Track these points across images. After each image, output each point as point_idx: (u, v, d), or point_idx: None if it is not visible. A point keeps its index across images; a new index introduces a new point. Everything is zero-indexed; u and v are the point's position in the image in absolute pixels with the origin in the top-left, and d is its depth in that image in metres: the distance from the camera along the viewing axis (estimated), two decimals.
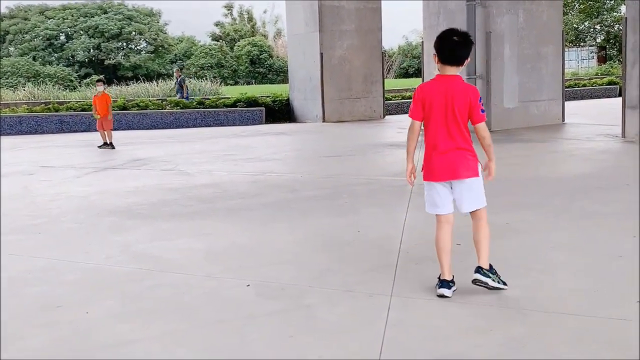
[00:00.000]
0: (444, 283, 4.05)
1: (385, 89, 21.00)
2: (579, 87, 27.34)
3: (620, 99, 12.49)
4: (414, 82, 33.98)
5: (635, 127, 11.60)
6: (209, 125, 19.29)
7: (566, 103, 16.46)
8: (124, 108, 19.62)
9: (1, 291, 4.39)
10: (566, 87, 19.26)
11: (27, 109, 19.57)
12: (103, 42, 60.71)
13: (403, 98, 23.29)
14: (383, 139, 14.03)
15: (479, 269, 4.06)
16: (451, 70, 4.02)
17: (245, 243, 5.57)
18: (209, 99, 21.40)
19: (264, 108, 20.13)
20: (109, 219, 6.63)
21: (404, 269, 4.63)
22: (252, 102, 20.39)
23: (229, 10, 71.01)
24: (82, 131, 17.98)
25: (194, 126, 19.20)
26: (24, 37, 59.19)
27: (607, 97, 26.34)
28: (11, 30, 59.41)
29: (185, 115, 19.45)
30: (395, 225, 5.88)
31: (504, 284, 4.09)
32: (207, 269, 4.79)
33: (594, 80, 29.25)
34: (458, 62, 4.00)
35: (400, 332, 3.53)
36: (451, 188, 4.10)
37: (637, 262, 4.60)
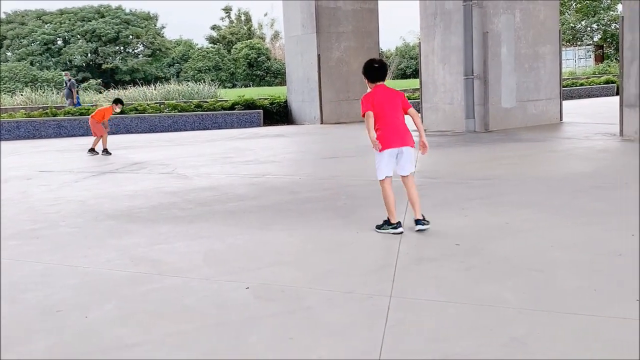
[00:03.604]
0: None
1: None
2: (576, 86, 27.36)
3: (617, 97, 12.50)
4: (412, 83, 33.99)
5: (633, 126, 11.61)
6: (207, 128, 19.30)
7: (564, 102, 16.48)
8: (122, 112, 19.58)
9: (1, 296, 4.38)
10: (564, 87, 19.29)
11: (25, 113, 19.56)
12: (100, 46, 60.79)
13: None
14: None
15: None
16: None
17: (245, 245, 5.56)
18: (207, 102, 21.40)
19: (261, 110, 20.14)
20: (107, 223, 6.62)
21: (403, 269, 4.63)
22: (250, 105, 20.40)
23: (227, 13, 71.00)
24: (80, 135, 17.97)
25: (192, 129, 19.22)
26: (21, 42, 59.23)
27: (605, 96, 26.37)
28: (8, 35, 59.44)
29: (183, 118, 19.46)
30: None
31: (428, 222, 5.67)
32: (207, 272, 4.78)
33: (591, 79, 29.29)
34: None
35: (400, 332, 3.52)
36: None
37: (636, 260, 4.60)
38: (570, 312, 3.69)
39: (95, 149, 13.24)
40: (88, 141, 14.51)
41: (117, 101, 14.03)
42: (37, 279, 4.79)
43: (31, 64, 55.31)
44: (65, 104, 22.10)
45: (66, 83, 23.53)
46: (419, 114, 5.60)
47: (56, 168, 11.34)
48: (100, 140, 13.29)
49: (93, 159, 12.51)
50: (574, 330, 3.47)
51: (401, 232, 5.57)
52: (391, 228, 5.62)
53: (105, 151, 13.14)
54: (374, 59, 5.80)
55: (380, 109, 5.56)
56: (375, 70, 5.65)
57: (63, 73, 25.47)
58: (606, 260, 4.66)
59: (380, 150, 5.58)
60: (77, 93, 23.59)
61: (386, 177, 5.68)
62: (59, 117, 18.84)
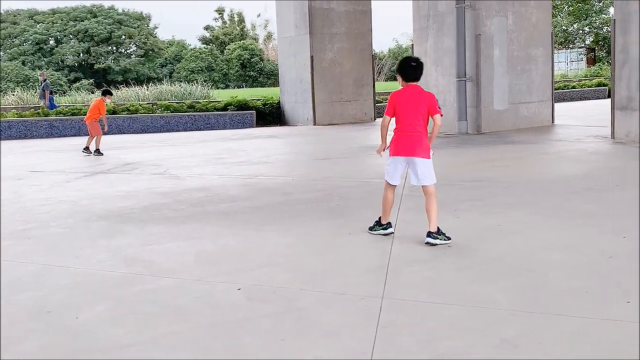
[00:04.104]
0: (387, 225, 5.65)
1: (376, 91, 21.05)
2: (568, 88, 27.47)
3: (609, 100, 12.56)
4: None
5: (625, 128, 11.67)
6: (200, 129, 19.27)
7: (556, 105, 16.54)
8: (114, 112, 19.57)
9: (1, 295, 4.37)
10: (556, 89, 19.36)
11: (17, 113, 19.48)
12: (93, 46, 60.58)
13: None
14: (374, 142, 14.02)
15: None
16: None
17: (237, 246, 5.56)
18: (200, 103, 21.38)
19: (254, 111, 20.13)
20: (99, 224, 6.60)
21: (395, 270, 4.63)
22: (242, 106, 20.39)
23: (220, 14, 70.93)
24: (71, 136, 17.91)
25: (185, 130, 19.18)
26: (13, 41, 58.97)
27: (597, 99, 26.50)
28: (0, 34, 59.15)
29: (175, 119, 19.42)
30: None
31: (448, 238, 5.27)
32: (199, 273, 4.78)
33: (583, 82, 29.40)
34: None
35: (391, 333, 3.53)
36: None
37: (627, 261, 4.63)
38: (561, 314, 3.71)
39: (90, 148, 13.24)
40: (80, 141, 14.53)
41: (106, 92, 14.04)
42: (29, 280, 4.78)
43: (23, 63, 55.09)
44: (41, 104, 21.90)
45: (41, 83, 23.27)
46: (440, 124, 5.39)
47: (48, 168, 11.30)
48: (94, 139, 13.28)
49: (85, 160, 12.47)
50: (564, 331, 3.48)
51: (391, 233, 5.59)
52: (381, 229, 5.63)
53: (97, 151, 13.11)
54: (411, 57, 5.56)
55: (400, 111, 5.36)
56: (411, 68, 5.37)
57: (39, 73, 24.91)
58: (598, 262, 4.68)
59: (389, 155, 5.48)
60: (51, 94, 23.17)
61: (391, 182, 5.52)
62: (50, 117, 18.77)
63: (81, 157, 12.80)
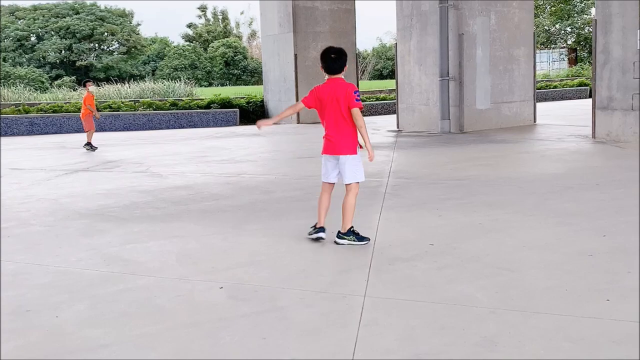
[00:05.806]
0: (320, 229, 5.37)
1: (360, 90, 21.08)
2: (550, 88, 27.67)
3: (590, 100, 12.67)
4: (388, 84, 34.10)
5: (605, 128, 11.78)
6: (183, 127, 19.18)
7: (538, 104, 16.66)
8: (96, 109, 19.40)
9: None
10: (538, 89, 19.51)
11: None
12: (75, 43, 60.03)
13: (377, 99, 23.39)
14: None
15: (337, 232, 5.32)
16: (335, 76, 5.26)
17: (218, 245, 5.54)
18: (183, 101, 21.28)
19: (238, 109, 20.08)
20: (80, 222, 6.54)
21: (377, 269, 4.64)
22: (226, 104, 20.33)
23: (202, 11, 70.61)
24: (53, 133, 17.75)
25: (168, 128, 19.08)
26: None
27: (578, 99, 26.71)
28: None
29: (158, 116, 19.32)
30: (369, 226, 5.89)
31: (361, 238, 5.23)
32: (180, 272, 4.75)
33: (564, 82, 29.62)
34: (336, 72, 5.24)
35: (373, 332, 3.53)
36: (337, 162, 5.33)
37: (608, 260, 4.68)
38: (541, 312, 3.73)
39: (92, 143, 13.36)
40: (61, 139, 14.41)
41: (87, 82, 14.21)
42: (7, 278, 4.72)
43: (4, 60, 54.50)
44: None
45: None
46: (363, 120, 5.15)
47: (28, 166, 11.19)
48: (89, 133, 13.45)
49: (66, 157, 12.38)
50: (544, 329, 3.50)
51: (320, 239, 5.39)
52: (311, 229, 5.55)
53: (88, 145, 13.33)
54: (333, 48, 5.32)
55: (324, 111, 5.28)
56: (331, 60, 5.21)
57: None
58: (577, 261, 4.72)
59: (321, 153, 5.48)
60: None
61: (323, 181, 5.50)
62: (31, 115, 18.59)
63: (62, 155, 12.71)
